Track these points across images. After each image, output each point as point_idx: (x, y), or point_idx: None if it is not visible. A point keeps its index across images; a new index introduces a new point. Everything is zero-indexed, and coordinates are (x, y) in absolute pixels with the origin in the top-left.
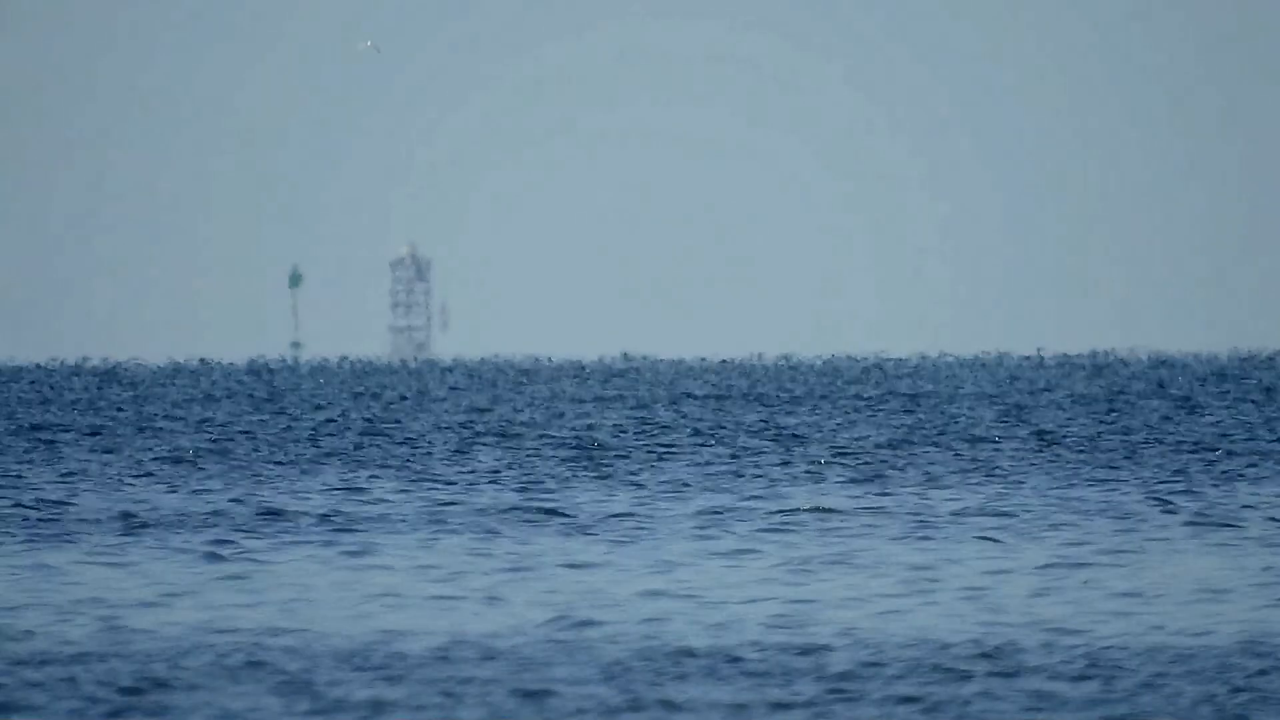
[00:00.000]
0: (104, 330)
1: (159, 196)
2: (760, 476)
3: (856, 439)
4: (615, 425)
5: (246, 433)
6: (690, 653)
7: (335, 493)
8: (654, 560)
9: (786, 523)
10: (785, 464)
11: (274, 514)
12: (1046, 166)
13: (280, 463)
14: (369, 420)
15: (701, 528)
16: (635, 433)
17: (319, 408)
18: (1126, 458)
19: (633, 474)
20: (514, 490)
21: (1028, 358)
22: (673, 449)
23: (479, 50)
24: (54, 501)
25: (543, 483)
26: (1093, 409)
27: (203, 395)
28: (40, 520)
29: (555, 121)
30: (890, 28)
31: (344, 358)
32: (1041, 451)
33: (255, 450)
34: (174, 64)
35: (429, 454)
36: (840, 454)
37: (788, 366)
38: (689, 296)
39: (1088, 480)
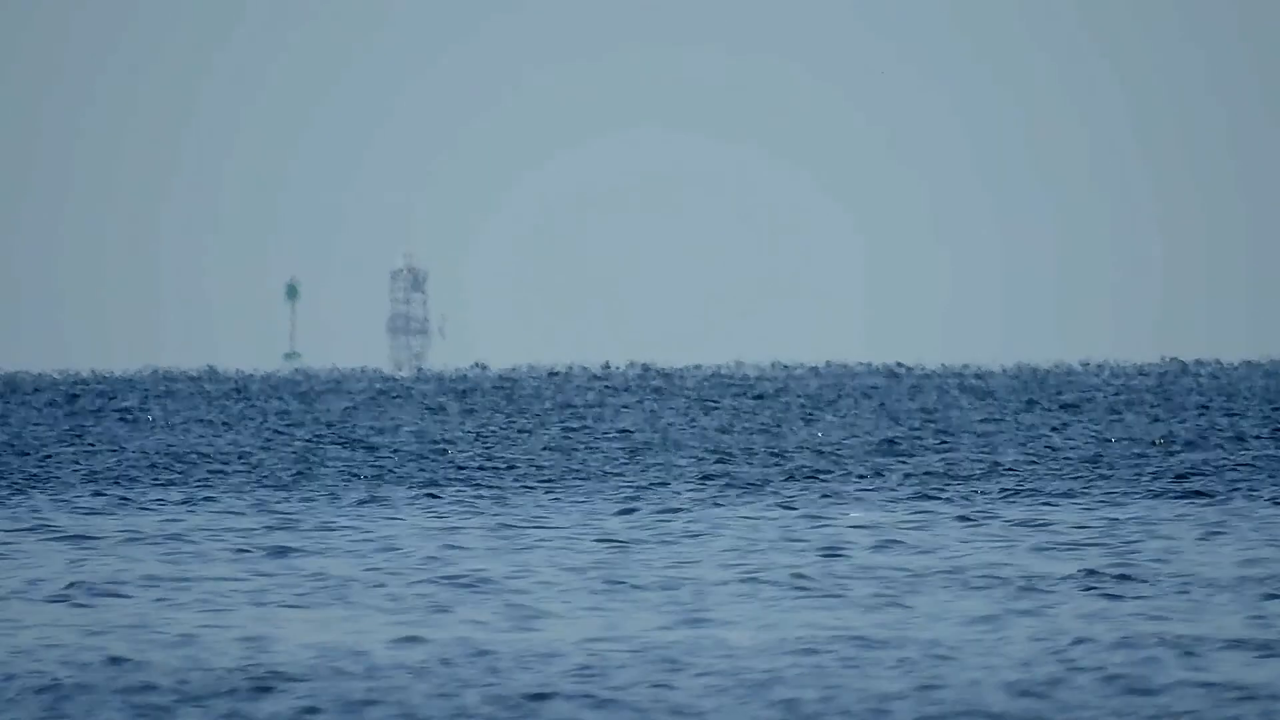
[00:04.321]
0: (99, 339)
1: (156, 204)
2: None
3: None
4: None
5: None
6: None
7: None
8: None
9: None
10: None
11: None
12: (1047, 169)
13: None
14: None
15: None
16: None
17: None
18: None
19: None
20: None
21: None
22: None
23: (486, 67)
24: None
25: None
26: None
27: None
28: None
29: (557, 137)
30: (890, 39)
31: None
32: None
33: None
34: (176, 70)
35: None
36: None
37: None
38: (689, 306)
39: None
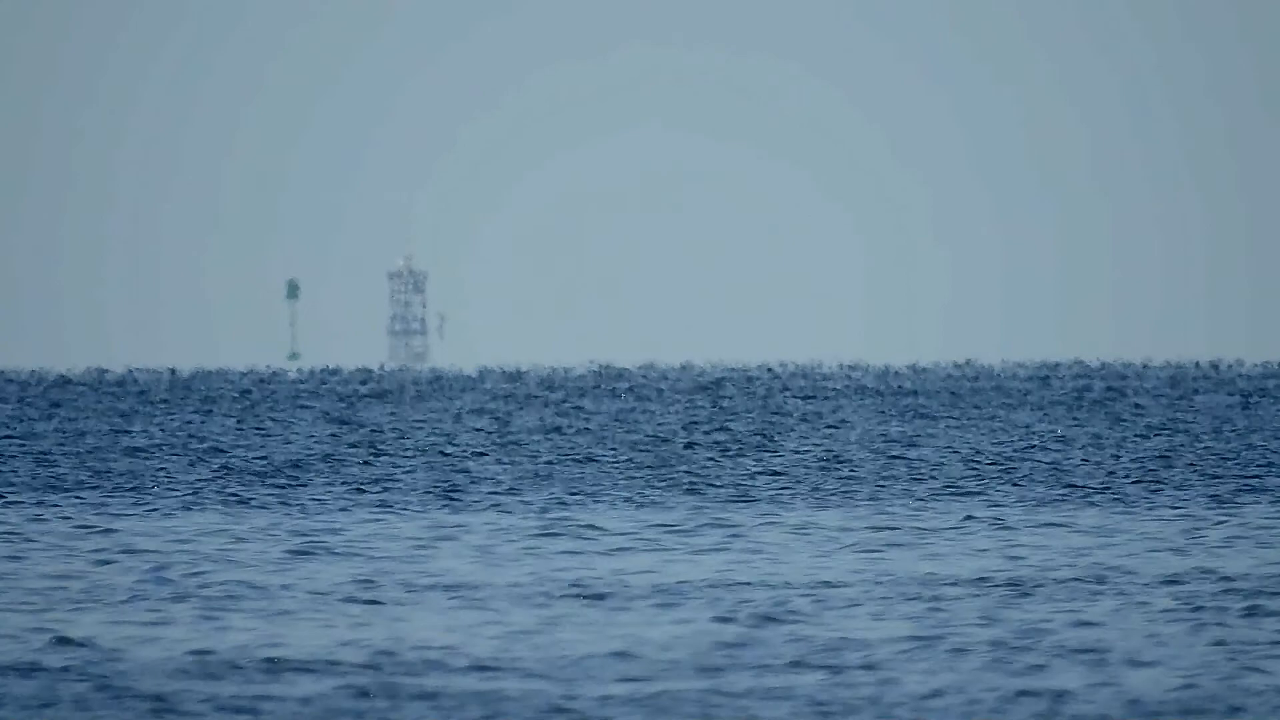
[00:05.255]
0: (101, 338)
1: (156, 204)
2: None
3: None
4: None
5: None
6: None
7: None
8: None
9: None
10: None
11: None
12: (1047, 169)
13: None
14: None
15: None
16: None
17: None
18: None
19: None
20: None
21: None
22: None
23: (486, 67)
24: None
25: None
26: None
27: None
28: None
29: (557, 137)
30: (889, 43)
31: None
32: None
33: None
34: (176, 70)
35: None
36: None
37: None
38: (689, 306)
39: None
